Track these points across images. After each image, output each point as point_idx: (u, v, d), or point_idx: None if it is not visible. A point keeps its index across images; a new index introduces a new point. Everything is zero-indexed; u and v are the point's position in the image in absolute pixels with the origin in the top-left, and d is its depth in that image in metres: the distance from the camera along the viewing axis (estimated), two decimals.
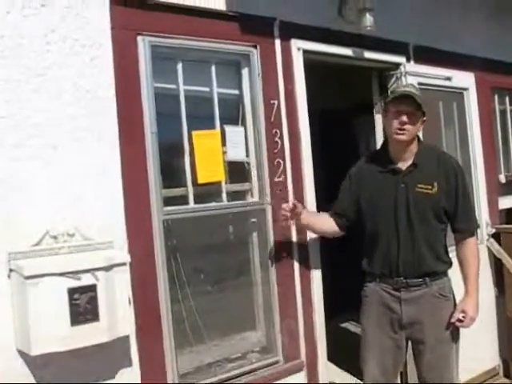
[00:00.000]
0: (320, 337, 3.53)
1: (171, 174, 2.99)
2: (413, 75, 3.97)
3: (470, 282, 2.89)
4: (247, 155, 3.28)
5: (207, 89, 3.18)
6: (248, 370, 3.21)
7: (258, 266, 3.33)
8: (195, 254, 3.09)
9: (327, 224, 3.11)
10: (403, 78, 3.91)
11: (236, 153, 3.25)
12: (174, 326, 2.93)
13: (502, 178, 4.76)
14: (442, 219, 2.91)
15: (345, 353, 3.23)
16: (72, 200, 2.64)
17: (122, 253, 2.65)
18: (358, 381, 3.23)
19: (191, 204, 3.05)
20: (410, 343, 3.04)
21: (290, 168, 3.40)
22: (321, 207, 3.53)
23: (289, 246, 3.42)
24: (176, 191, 3.02)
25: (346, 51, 3.70)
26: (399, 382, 3.30)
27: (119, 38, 2.81)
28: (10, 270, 2.45)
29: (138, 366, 2.79)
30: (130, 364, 2.78)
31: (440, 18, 4.23)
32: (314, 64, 3.58)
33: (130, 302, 2.74)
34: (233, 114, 3.30)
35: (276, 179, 3.35)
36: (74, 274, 2.45)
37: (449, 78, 4.24)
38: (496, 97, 4.94)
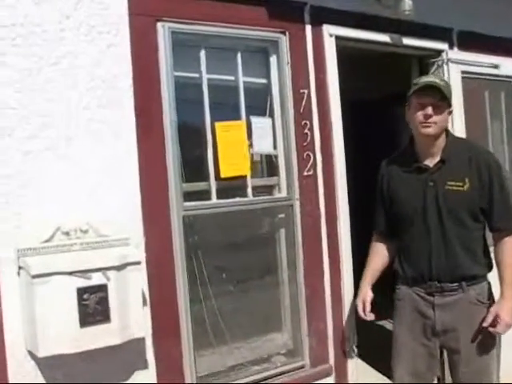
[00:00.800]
0: (350, 339, 3.32)
1: (192, 167, 2.89)
2: (456, 63, 3.72)
3: (506, 284, 2.64)
4: (275, 148, 3.15)
5: (232, 77, 3.05)
6: (273, 373, 3.07)
7: (285, 264, 3.21)
8: (218, 252, 2.99)
9: (384, 258, 2.90)
10: (445, 66, 3.62)
11: (263, 145, 3.11)
12: (193, 326, 2.81)
13: None
14: (478, 218, 2.67)
15: (380, 352, 3.05)
16: (86, 195, 2.54)
17: (135, 251, 2.53)
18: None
19: (214, 199, 2.93)
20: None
21: (320, 162, 3.26)
22: (352, 204, 3.36)
23: (318, 244, 3.27)
24: (198, 185, 2.92)
25: (383, 37, 3.49)
26: None
27: (138, 24, 2.68)
28: (19, 268, 2.36)
29: (154, 368, 2.70)
30: (145, 366, 2.68)
31: (487, 1, 3.90)
32: (348, 51, 3.40)
33: (145, 302, 2.65)
34: (260, 104, 3.16)
35: (305, 173, 3.20)
36: (84, 272, 2.35)
37: (496, 66, 3.96)
38: None
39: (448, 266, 2.65)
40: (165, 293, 2.75)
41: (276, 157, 3.15)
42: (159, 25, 2.75)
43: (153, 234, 2.70)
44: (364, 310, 2.81)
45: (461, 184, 2.62)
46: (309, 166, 3.20)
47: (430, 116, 2.59)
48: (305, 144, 3.19)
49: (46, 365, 2.39)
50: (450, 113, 2.73)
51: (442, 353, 2.87)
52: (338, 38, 3.30)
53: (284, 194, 3.15)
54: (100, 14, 2.60)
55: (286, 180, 3.14)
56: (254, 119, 3.06)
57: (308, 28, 3.23)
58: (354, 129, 4.27)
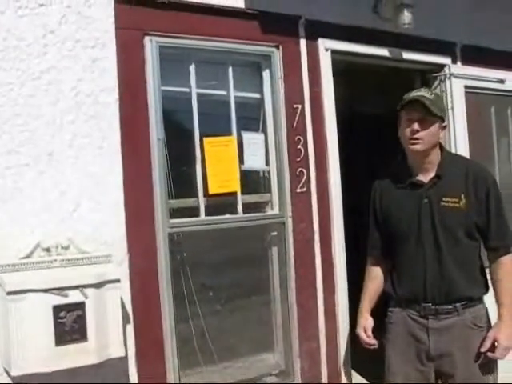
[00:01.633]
0: (345, 361, 3.25)
1: (180, 183, 2.85)
2: (459, 77, 3.63)
3: (504, 306, 2.52)
4: (267, 164, 3.12)
5: (223, 92, 3.03)
6: None
7: (276, 283, 3.17)
8: (206, 270, 2.95)
9: (381, 282, 2.77)
10: (447, 81, 3.53)
11: (254, 161, 3.08)
12: (179, 346, 2.77)
13: None
14: (475, 236, 2.56)
15: (373, 364, 2.96)
16: (68, 211, 2.52)
17: (115, 268, 2.50)
18: None
19: (202, 216, 2.90)
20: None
21: (314, 178, 3.21)
22: (348, 221, 3.28)
23: (312, 262, 3.21)
24: (186, 202, 2.89)
25: (382, 51, 3.43)
26: None
27: (124, 38, 2.67)
28: None
29: None
30: None
31: (492, 14, 3.81)
32: (348, 66, 3.37)
33: (129, 321, 2.62)
34: (252, 119, 3.14)
35: (298, 190, 3.16)
36: (61, 290, 2.31)
37: (502, 81, 3.86)
38: None
39: (443, 287, 2.55)
40: (149, 311, 2.71)
41: (268, 173, 3.13)
42: (147, 39, 2.73)
43: (137, 251, 2.67)
44: (368, 337, 2.72)
45: (456, 200, 2.52)
46: (302, 182, 3.16)
47: (417, 131, 2.50)
48: (298, 160, 3.15)
49: (23, 382, 2.34)
50: (444, 128, 2.63)
51: (437, 378, 2.75)
52: (334, 52, 3.26)
53: (276, 211, 3.12)
54: (85, 28, 2.59)
55: (278, 197, 3.11)
56: (246, 135, 3.05)
57: (303, 42, 3.19)
58: (358, 144, 4.18)
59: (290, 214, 3.11)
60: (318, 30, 3.20)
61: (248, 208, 3.04)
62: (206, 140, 2.90)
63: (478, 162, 2.81)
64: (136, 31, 2.70)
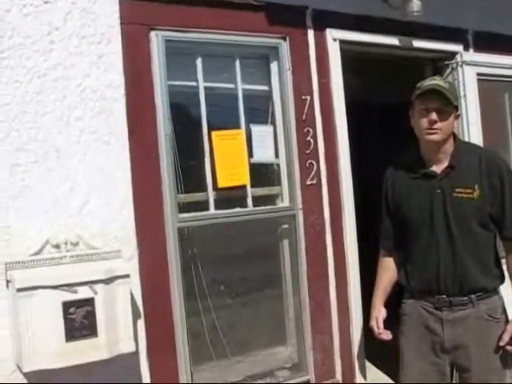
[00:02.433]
0: (359, 354, 3.24)
1: (189, 177, 2.84)
2: (471, 65, 3.58)
3: None
4: (276, 156, 3.11)
5: (231, 85, 3.02)
6: None
7: (288, 275, 3.15)
8: (216, 264, 2.95)
9: (394, 273, 2.75)
10: (459, 69, 3.47)
11: (263, 154, 3.07)
12: (190, 340, 2.77)
13: None
14: (489, 227, 2.52)
15: (387, 356, 2.95)
16: (77, 207, 2.53)
17: (125, 264, 2.49)
18: None
19: (212, 210, 2.90)
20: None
21: (324, 170, 3.20)
22: (359, 214, 3.28)
23: (323, 254, 3.20)
24: (195, 196, 2.89)
25: (391, 40, 3.38)
26: None
27: (130, 33, 2.66)
28: (7, 281, 2.35)
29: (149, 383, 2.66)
30: (139, 380, 2.64)
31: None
32: (357, 56, 3.34)
33: (139, 316, 2.62)
34: (260, 111, 3.12)
35: (308, 182, 3.14)
36: (70, 286, 2.31)
37: None
38: None
39: (457, 278, 2.51)
40: (159, 306, 2.71)
41: (278, 165, 3.11)
42: (152, 33, 2.73)
43: (147, 246, 2.67)
44: (379, 328, 2.69)
45: (470, 191, 2.48)
46: (312, 174, 3.15)
47: (435, 122, 2.45)
48: (307, 152, 3.14)
49: (36, 378, 2.37)
50: (457, 117, 2.58)
51: (453, 372, 2.69)
52: (343, 42, 3.22)
53: (286, 203, 3.11)
54: (90, 24, 2.58)
55: (288, 189, 3.10)
56: (255, 127, 3.04)
57: (310, 32, 3.16)
58: (370, 136, 4.14)
59: (300, 206, 3.10)
60: (325, 20, 3.17)
61: (258, 201, 3.03)
62: (214, 133, 2.89)
63: (491, 149, 2.78)
64: (141, 26, 2.69)
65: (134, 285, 2.57)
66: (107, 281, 2.37)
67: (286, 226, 3.13)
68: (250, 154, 3.02)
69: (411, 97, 2.50)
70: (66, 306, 2.28)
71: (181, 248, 2.76)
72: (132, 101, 2.65)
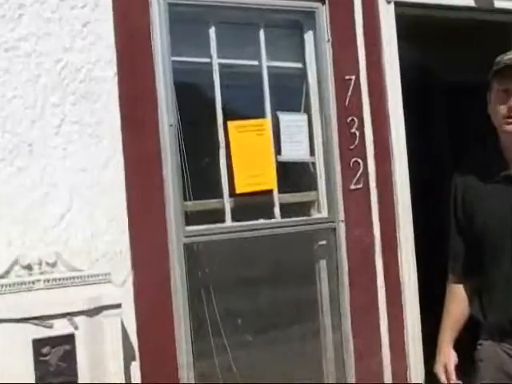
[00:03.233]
0: None
1: (200, 180, 2.86)
2: None
3: None
4: (311, 154, 3.11)
5: (253, 62, 3.03)
6: None
7: (326, 306, 3.15)
8: (234, 291, 2.98)
9: (466, 304, 2.68)
10: None
11: (295, 150, 3.07)
12: None
13: None
14: None
15: None
16: (54, 217, 2.51)
17: (116, 290, 2.48)
18: None
19: (228, 222, 2.90)
20: None
21: (373, 171, 3.18)
22: (419, 227, 3.23)
23: (372, 279, 3.19)
24: (207, 204, 2.90)
25: (464, 0, 3.33)
26: None
27: None
28: None
29: None
30: None
31: None
32: (418, 23, 3.34)
33: (133, 357, 2.59)
34: (291, 96, 3.14)
35: (352, 186, 3.13)
36: (44, 319, 2.28)
37: None
38: None
39: None
40: (160, 344, 2.69)
41: (313, 165, 3.12)
42: None
43: (144, 267, 2.65)
44: (449, 379, 2.62)
45: None
46: (357, 176, 3.14)
47: None
48: (352, 147, 3.13)
49: None
50: None
51: None
52: (399, 5, 3.19)
53: (324, 214, 3.11)
54: None
55: (326, 196, 3.10)
56: (284, 116, 3.04)
57: None
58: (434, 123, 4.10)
59: (341, 217, 3.10)
60: None
61: (287, 211, 3.03)
62: (231, 124, 2.89)
63: None
64: None
65: (127, 317, 2.54)
66: (92, 312, 2.35)
67: (323, 242, 3.15)
68: (278, 151, 3.01)
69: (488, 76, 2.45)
70: (38, 344, 2.26)
71: (188, 270, 2.75)
72: (126, 82, 2.64)
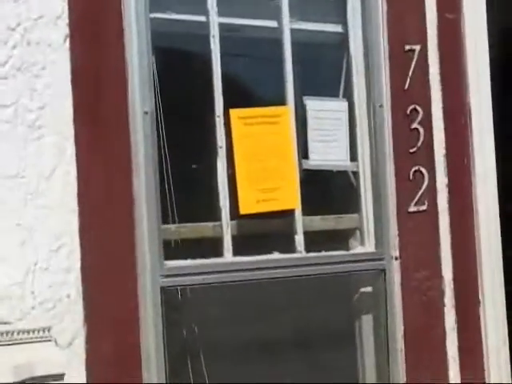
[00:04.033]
0: None
1: (186, 196, 2.90)
2: None
3: None
4: (353, 158, 3.15)
5: (271, 23, 3.04)
6: None
7: (371, 380, 3.18)
8: (234, 360, 3.01)
9: None
10: None
11: (328, 153, 3.07)
12: None
13: None
14: None
15: None
16: None
17: (58, 354, 2.49)
18: None
19: (228, 256, 2.92)
20: None
21: (444, 185, 3.18)
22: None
23: (440, 343, 3.25)
24: (197, 229, 2.93)
25: None
26: None
27: None
28: None
29: None
30: None
31: None
32: None
33: None
34: (324, 75, 3.18)
35: (412, 208, 3.16)
36: None
37: None
38: None
39: None
40: None
41: (355, 175, 3.13)
42: None
43: (101, 320, 2.65)
44: None
45: None
46: (420, 193, 3.16)
47: None
48: (412, 150, 3.16)
49: None
50: None
51: None
52: None
53: (370, 247, 3.18)
54: None
55: (373, 221, 3.16)
56: (312, 103, 3.08)
57: None
58: None
59: (395, 253, 3.13)
60: None
61: (315, 242, 3.07)
62: (234, 113, 2.92)
63: None
64: None
65: None
66: None
67: (367, 289, 3.21)
68: (303, 154, 3.05)
69: None
70: None
71: (167, 327, 2.77)
72: (83, 49, 2.65)
